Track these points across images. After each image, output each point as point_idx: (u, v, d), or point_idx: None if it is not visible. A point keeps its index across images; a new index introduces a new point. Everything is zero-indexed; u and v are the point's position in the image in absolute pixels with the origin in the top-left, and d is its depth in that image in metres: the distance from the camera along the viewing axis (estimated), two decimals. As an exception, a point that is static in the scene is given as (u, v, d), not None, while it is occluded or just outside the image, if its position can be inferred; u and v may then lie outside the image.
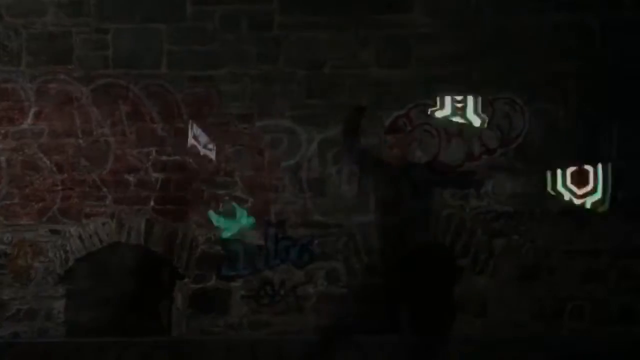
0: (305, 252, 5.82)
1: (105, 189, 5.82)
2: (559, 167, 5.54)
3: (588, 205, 5.03)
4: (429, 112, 5.40)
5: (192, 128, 5.52)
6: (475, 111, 5.18)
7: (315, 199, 5.83)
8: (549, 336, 5.63)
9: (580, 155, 5.64)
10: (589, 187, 5.02)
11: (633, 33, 5.70)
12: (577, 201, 5.08)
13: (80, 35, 5.81)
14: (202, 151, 5.53)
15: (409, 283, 5.87)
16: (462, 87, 5.63)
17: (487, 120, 5.34)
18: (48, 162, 5.82)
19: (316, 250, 5.82)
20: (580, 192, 5.07)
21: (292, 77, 5.81)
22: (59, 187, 5.81)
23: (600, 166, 5.18)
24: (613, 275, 5.76)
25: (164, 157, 5.82)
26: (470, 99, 5.15)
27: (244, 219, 5.69)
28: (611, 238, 5.74)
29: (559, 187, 5.19)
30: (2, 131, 5.82)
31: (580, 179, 5.10)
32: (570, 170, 5.16)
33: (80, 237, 5.84)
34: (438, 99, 5.19)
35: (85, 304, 5.86)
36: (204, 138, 5.53)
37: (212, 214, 5.69)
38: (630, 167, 5.67)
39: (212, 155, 5.56)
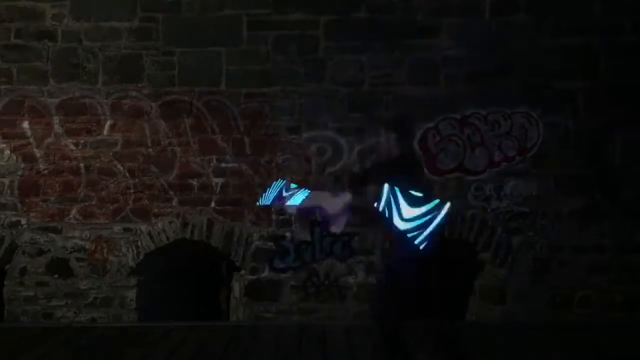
0: (347, 247, 6.16)
1: (171, 192, 6.16)
2: (569, 173, 6.08)
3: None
4: None
5: None
6: None
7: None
8: (559, 321, 5.96)
9: (587, 162, 6.12)
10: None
11: (633, 54, 6.08)
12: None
13: (150, 57, 6.13)
14: None
15: (438, 274, 6.47)
16: (483, 103, 6.12)
17: None
18: (121, 168, 6.17)
19: (356, 245, 6.14)
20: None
21: (335, 94, 6.14)
22: (131, 190, 6.16)
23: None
24: (616, 268, 6.11)
25: (223, 164, 6.16)
26: None
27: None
28: (614, 235, 6.11)
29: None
30: (81, 141, 6.14)
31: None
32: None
33: (149, 234, 6.17)
34: None
35: (154, 293, 6.19)
36: None
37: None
38: (632, 172, 6.11)
39: None
